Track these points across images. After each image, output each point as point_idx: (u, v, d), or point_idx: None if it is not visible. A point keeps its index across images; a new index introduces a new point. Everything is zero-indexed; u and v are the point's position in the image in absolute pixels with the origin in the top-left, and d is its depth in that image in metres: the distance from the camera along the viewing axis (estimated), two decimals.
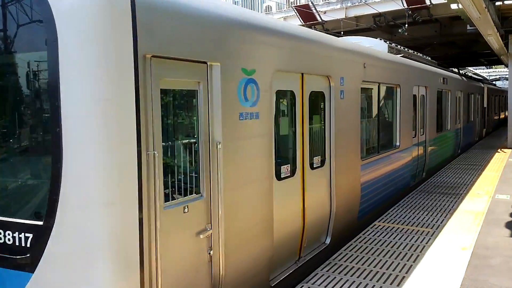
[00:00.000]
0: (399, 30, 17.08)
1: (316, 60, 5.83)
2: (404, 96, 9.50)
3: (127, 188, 3.07)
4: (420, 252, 5.81)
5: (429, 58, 14.68)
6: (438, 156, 13.27)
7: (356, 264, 5.46)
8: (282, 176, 5.21)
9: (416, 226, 7.00)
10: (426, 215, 7.68)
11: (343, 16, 18.48)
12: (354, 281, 4.95)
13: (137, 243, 3.14)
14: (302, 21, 17.66)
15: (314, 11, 17.50)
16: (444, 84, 13.51)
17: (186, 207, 3.67)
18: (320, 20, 17.54)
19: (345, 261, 5.55)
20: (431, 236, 6.47)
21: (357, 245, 6.17)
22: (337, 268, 5.35)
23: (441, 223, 7.13)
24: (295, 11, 18.14)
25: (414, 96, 10.47)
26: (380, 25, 17.96)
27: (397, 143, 9.38)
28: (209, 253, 3.94)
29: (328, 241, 6.32)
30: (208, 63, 3.90)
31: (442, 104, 13.58)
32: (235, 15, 4.38)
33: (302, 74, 5.53)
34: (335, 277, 5.07)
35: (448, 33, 20.36)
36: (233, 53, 4.19)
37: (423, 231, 6.75)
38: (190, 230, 3.72)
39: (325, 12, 18.20)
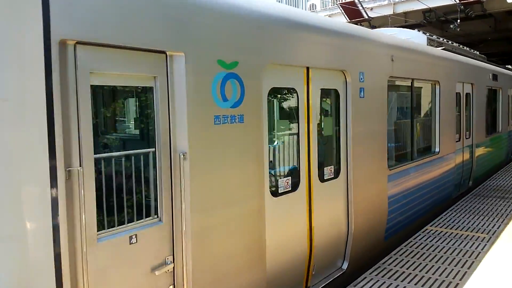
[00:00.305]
0: (451, 26, 16.33)
1: (325, 52, 4.88)
2: (444, 94, 8.29)
3: (34, 216, 2.37)
4: (475, 258, 5.53)
5: (477, 53, 13.75)
6: (487, 162, 11.84)
7: (407, 269, 5.28)
8: (279, 192, 4.34)
9: (471, 232, 6.67)
10: (482, 220, 7.29)
11: (391, 12, 17.95)
12: (404, 287, 4.79)
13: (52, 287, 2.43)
14: (347, 19, 17.35)
15: (360, 7, 17.11)
16: (493, 81, 12.23)
17: (133, 236, 2.91)
18: (366, 17, 17.15)
19: (395, 266, 5.39)
20: (487, 242, 6.14)
21: (407, 249, 5.97)
22: (386, 272, 5.19)
23: (497, 228, 6.75)
24: (341, 8, 17.82)
25: (458, 94, 9.32)
26: (431, 21, 17.26)
27: (436, 149, 8.18)
28: None
29: (345, 266, 5.38)
30: (167, 53, 3.10)
31: (491, 103, 12.34)
32: None
33: (308, 68, 4.62)
34: (384, 282, 4.93)
35: (503, 29, 19.23)
36: (204, 40, 3.28)
37: (479, 236, 6.42)
38: (141, 265, 2.95)
39: (371, 9, 17.76)
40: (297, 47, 4.35)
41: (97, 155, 2.78)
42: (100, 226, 2.79)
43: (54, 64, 2.40)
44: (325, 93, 5.10)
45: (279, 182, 4.38)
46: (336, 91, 5.25)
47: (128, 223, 2.98)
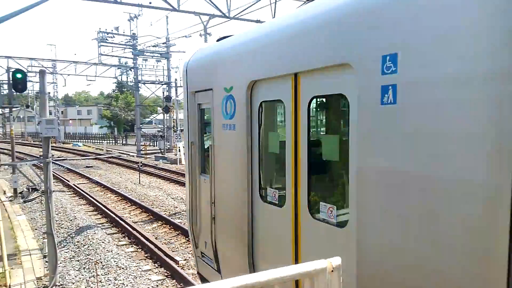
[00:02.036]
0: None
1: (316, 45, 3.37)
2: None
3: None
4: None
5: None
6: None
7: None
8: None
9: None
10: None
11: None
12: None
13: None
14: None
15: None
16: None
17: None
18: None
19: None
20: None
21: None
22: None
23: None
24: None
25: None
26: None
27: None
28: None
29: None
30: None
31: None
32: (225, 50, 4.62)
33: (296, 74, 3.68)
34: None
35: None
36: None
37: None
38: None
39: None
40: (279, 55, 3.89)
41: None
42: None
43: None
44: (325, 101, 3.95)
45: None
46: (342, 96, 3.32)
47: None
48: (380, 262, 2.94)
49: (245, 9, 16.64)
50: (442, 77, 2.53)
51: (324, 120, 4.24)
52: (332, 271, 2.32)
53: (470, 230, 2.48)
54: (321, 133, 4.13)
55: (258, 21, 17.44)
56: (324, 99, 3.65)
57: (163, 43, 32.42)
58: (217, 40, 5.59)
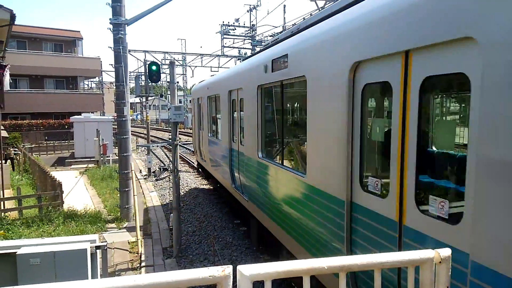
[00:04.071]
0: None
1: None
2: None
3: None
4: None
5: None
6: None
7: None
8: None
9: None
10: None
11: None
12: None
13: None
14: None
15: None
16: None
17: None
18: None
19: None
20: None
21: None
22: None
23: None
24: None
25: None
26: None
27: None
28: None
29: None
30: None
31: None
32: None
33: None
34: None
35: None
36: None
37: None
38: None
39: None
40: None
41: None
42: None
43: None
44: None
45: None
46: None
47: None
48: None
49: None
50: None
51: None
52: (440, 262, 2.15)
53: None
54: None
55: None
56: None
57: (279, 33, 33.01)
58: None
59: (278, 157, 6.68)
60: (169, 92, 10.64)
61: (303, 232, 5.39)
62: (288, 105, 6.26)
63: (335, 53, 4.34)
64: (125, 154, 12.52)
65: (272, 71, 6.30)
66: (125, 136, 12.47)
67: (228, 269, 1.83)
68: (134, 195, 11.92)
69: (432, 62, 3.09)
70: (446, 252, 2.15)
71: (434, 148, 3.42)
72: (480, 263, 2.66)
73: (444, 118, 3.67)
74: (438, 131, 3.40)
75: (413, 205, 3.31)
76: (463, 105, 3.11)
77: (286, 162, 6.35)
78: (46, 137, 34.38)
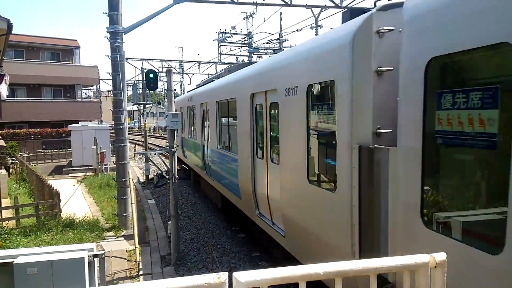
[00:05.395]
0: None
1: None
2: None
3: None
4: None
5: None
6: None
7: None
8: None
9: None
10: None
11: None
12: None
13: None
14: None
15: None
16: None
17: None
18: None
19: None
20: None
21: None
22: None
23: None
24: None
25: None
26: None
27: None
28: None
29: None
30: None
31: None
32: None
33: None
34: None
35: None
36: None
37: None
38: None
39: None
40: None
41: None
42: None
43: None
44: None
45: None
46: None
47: None
48: None
49: None
50: None
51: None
52: (436, 266, 2.16)
53: None
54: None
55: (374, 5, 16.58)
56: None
57: (276, 39, 33.18)
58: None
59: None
60: (166, 100, 10.77)
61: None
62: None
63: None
64: (122, 162, 12.52)
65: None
66: (122, 144, 12.48)
67: (223, 276, 1.83)
68: (132, 203, 11.90)
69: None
70: (441, 256, 2.17)
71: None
72: None
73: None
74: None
75: None
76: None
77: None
78: (43, 146, 34.34)
